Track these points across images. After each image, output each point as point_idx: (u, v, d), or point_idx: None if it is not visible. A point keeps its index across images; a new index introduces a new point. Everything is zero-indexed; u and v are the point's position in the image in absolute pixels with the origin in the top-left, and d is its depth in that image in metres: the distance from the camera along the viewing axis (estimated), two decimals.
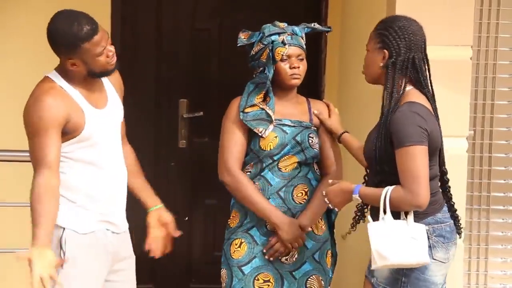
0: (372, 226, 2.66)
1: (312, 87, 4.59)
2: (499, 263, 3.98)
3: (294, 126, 3.11)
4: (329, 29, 3.23)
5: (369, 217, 2.71)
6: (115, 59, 2.76)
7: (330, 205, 2.81)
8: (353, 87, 4.17)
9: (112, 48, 2.74)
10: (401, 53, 2.73)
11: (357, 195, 2.71)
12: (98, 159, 2.79)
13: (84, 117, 2.73)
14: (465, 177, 3.56)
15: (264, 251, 3.06)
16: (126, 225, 2.94)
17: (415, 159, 2.61)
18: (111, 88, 2.90)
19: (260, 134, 3.04)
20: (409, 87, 2.76)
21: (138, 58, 4.51)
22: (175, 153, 4.50)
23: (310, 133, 3.12)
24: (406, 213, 2.67)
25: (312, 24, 3.17)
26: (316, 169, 3.16)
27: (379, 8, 3.63)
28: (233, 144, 3.08)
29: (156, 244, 2.98)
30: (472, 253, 3.95)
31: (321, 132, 3.18)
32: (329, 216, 3.21)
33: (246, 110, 3.07)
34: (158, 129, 4.52)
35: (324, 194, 2.83)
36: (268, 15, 3.29)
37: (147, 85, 4.52)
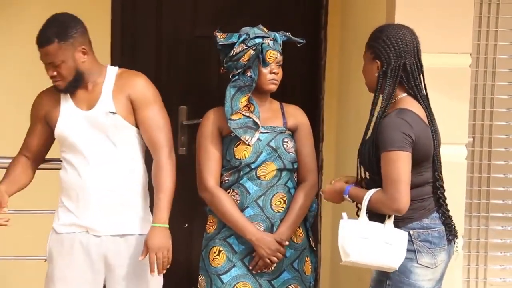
0: (342, 223, 2.74)
1: (311, 94, 4.60)
2: (498, 270, 3.98)
3: (267, 132, 3.12)
4: (302, 41, 3.21)
5: (343, 214, 2.76)
6: (56, 83, 2.91)
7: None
8: (353, 93, 4.17)
9: (52, 72, 2.89)
10: (391, 61, 2.77)
11: (347, 195, 2.82)
12: (76, 160, 2.93)
13: (58, 114, 2.95)
14: (464, 184, 3.56)
15: (250, 268, 3.07)
16: (113, 231, 2.94)
17: (396, 164, 2.65)
18: (109, 93, 2.94)
19: (246, 142, 3.05)
20: (402, 94, 2.79)
21: (138, 64, 4.50)
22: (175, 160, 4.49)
23: (284, 137, 3.13)
24: (390, 216, 2.71)
25: (288, 33, 3.18)
26: (295, 178, 3.17)
27: (379, 16, 3.63)
28: (209, 160, 3.11)
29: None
30: (471, 261, 3.95)
31: (298, 138, 3.17)
32: (306, 223, 3.21)
33: (233, 118, 3.08)
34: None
35: (321, 193, 2.94)
36: (267, 22, 3.29)
37: None
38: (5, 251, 3.99)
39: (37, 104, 3.04)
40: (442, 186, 2.84)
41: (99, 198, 2.92)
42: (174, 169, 2.98)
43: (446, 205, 2.84)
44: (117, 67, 3.04)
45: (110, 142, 2.93)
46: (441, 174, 2.84)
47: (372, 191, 2.72)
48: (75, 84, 2.93)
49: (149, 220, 2.97)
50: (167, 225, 2.92)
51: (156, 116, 2.97)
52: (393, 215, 2.71)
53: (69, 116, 2.95)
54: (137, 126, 2.98)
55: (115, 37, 4.38)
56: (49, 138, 3.05)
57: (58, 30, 2.87)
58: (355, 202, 2.84)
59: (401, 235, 2.70)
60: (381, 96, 2.81)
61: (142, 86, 2.98)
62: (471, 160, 3.88)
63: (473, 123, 3.88)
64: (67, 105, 2.96)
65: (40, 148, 3.07)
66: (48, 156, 3.16)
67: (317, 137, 4.41)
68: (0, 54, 4.21)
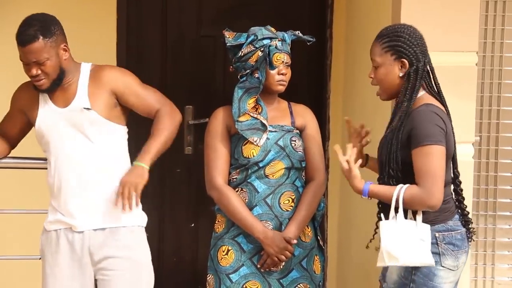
0: (384, 225, 2.66)
1: (317, 94, 4.59)
2: (506, 269, 3.96)
3: (275, 131, 3.12)
4: (312, 39, 3.21)
5: (382, 216, 2.70)
6: (38, 82, 2.91)
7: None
8: (359, 93, 4.17)
9: (36, 71, 2.88)
10: (420, 58, 2.74)
11: (366, 196, 2.72)
12: (54, 157, 2.97)
13: (37, 111, 2.97)
14: (472, 183, 3.55)
15: (259, 266, 3.07)
16: (94, 225, 2.95)
17: (433, 159, 2.62)
18: (85, 89, 2.95)
19: (255, 143, 3.05)
20: (421, 92, 2.77)
21: (144, 65, 4.52)
22: (181, 159, 4.50)
23: (292, 136, 3.12)
24: (415, 213, 2.66)
25: (297, 32, 3.18)
26: (303, 176, 3.16)
27: (384, 15, 3.63)
28: (217, 158, 3.11)
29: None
30: (478, 260, 3.94)
31: (305, 137, 3.18)
32: (314, 222, 3.20)
33: (241, 119, 3.09)
34: None
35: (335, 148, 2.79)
36: (273, 22, 3.29)
37: None
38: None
39: (17, 98, 3.07)
40: (461, 187, 2.82)
41: (78, 193, 2.95)
42: (173, 121, 3.01)
43: (466, 206, 2.82)
44: (90, 63, 3.05)
45: (86, 138, 2.95)
46: (459, 173, 2.82)
47: (402, 186, 2.65)
48: (58, 82, 2.94)
49: (134, 212, 2.95)
50: (145, 166, 2.92)
51: (143, 92, 3.03)
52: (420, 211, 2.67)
53: (46, 113, 2.98)
54: (117, 122, 3.00)
55: (120, 37, 4.39)
56: (26, 128, 3.09)
57: (41, 28, 2.87)
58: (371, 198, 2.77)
59: (428, 229, 2.66)
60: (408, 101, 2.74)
61: (118, 76, 3.02)
62: (478, 158, 3.87)
63: (480, 121, 3.86)
64: (44, 102, 2.99)
65: (16, 133, 3.10)
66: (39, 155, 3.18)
67: (323, 136, 4.39)
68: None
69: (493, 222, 3.94)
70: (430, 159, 2.62)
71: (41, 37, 2.85)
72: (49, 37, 2.87)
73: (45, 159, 3.07)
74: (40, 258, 3.08)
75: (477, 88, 3.66)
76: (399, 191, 2.65)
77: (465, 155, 3.50)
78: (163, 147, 2.98)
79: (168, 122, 2.99)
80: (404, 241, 2.62)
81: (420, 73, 2.73)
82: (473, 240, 2.86)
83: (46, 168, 3.05)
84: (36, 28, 2.86)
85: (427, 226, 2.66)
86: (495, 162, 3.92)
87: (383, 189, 2.71)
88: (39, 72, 2.89)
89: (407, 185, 2.65)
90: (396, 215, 2.65)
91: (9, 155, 3.17)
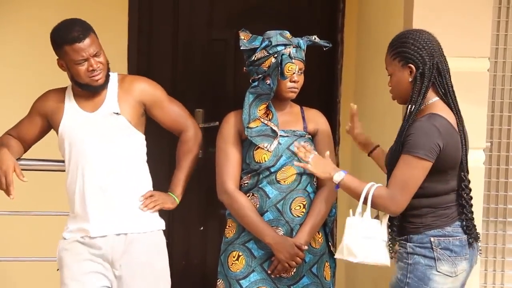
0: (349, 220, 2.75)
1: (328, 98, 4.59)
2: None
3: (287, 136, 3.11)
4: (328, 45, 3.21)
5: (350, 211, 2.77)
6: (98, 76, 2.92)
7: (308, 166, 2.83)
8: (369, 97, 4.16)
9: (96, 65, 2.90)
10: (426, 61, 2.74)
11: (337, 182, 2.77)
12: (76, 160, 2.97)
13: (62, 115, 3.00)
14: (482, 189, 3.54)
15: (269, 272, 3.06)
16: (113, 231, 2.96)
17: (412, 170, 2.65)
18: (114, 95, 2.98)
19: (265, 149, 3.05)
20: (434, 98, 2.77)
21: (154, 67, 4.53)
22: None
23: (305, 141, 3.10)
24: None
25: (313, 38, 3.17)
26: (315, 182, 3.16)
27: (396, 19, 3.62)
28: (229, 163, 3.11)
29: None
30: (488, 266, 3.92)
31: (317, 142, 3.17)
32: (325, 228, 3.19)
33: (251, 126, 3.08)
34: (174, 138, 4.53)
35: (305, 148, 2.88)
36: (284, 25, 3.29)
37: None
38: (12, 252, 4.02)
39: (43, 101, 3.09)
40: (469, 194, 2.81)
41: (98, 199, 2.96)
42: (197, 144, 3.18)
43: (472, 213, 2.82)
44: (116, 73, 3.09)
45: (111, 143, 2.97)
46: (468, 180, 2.82)
47: (373, 184, 2.70)
48: (107, 80, 2.98)
49: (152, 219, 3.01)
50: (177, 199, 3.14)
51: (169, 107, 3.14)
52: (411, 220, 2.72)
53: (73, 117, 3.00)
54: (142, 131, 3.06)
55: (131, 39, 4.40)
56: (43, 134, 3.13)
57: (84, 24, 2.93)
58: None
59: (384, 230, 2.74)
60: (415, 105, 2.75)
61: (149, 88, 3.09)
62: (489, 165, 3.85)
63: (491, 127, 3.85)
64: (71, 107, 3.01)
65: (32, 138, 3.12)
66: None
67: (334, 141, 4.36)
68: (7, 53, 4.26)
69: (503, 228, 3.92)
70: (408, 169, 2.65)
71: (91, 31, 2.92)
72: (94, 32, 2.95)
73: (62, 161, 3.09)
74: (58, 269, 3.06)
75: (489, 94, 3.65)
76: (369, 189, 2.69)
77: (476, 161, 3.49)
78: (190, 175, 3.19)
79: (194, 149, 3.17)
80: (367, 239, 2.70)
81: (427, 76, 2.74)
82: (479, 250, 2.84)
83: (63, 171, 3.07)
84: (81, 25, 2.91)
85: (385, 227, 2.73)
86: (506, 168, 3.90)
87: (355, 184, 2.75)
88: (99, 65, 2.92)
89: (379, 184, 2.70)
90: (365, 213, 2.72)
91: (27, 157, 3.19)
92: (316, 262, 3.12)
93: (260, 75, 3.11)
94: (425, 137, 2.65)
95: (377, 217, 2.77)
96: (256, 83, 3.13)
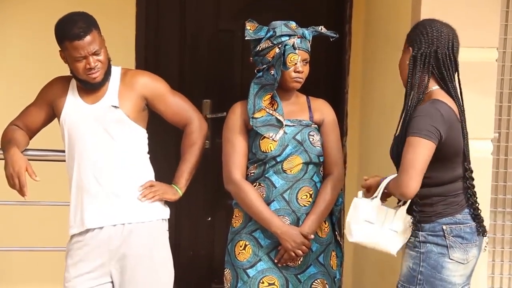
0: (356, 200, 2.81)
1: (335, 88, 4.59)
2: None
3: (293, 125, 3.11)
4: (335, 35, 3.20)
5: (360, 193, 2.83)
6: (95, 74, 2.93)
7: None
8: (377, 88, 4.15)
9: (94, 63, 2.90)
10: (422, 46, 2.77)
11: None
12: (74, 151, 2.98)
13: (64, 103, 3.01)
14: (490, 180, 3.54)
15: (276, 261, 3.07)
16: (112, 221, 2.96)
17: (415, 150, 2.67)
18: (115, 89, 3.00)
19: (271, 138, 3.05)
20: (434, 87, 2.78)
21: (162, 59, 4.53)
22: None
23: (311, 131, 3.11)
24: (411, 209, 2.75)
25: (319, 28, 3.16)
26: (321, 171, 3.16)
27: (404, 10, 3.61)
28: (235, 153, 3.11)
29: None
30: (496, 256, 3.92)
31: (324, 132, 3.17)
32: (332, 217, 3.20)
33: (256, 116, 3.09)
34: (181, 135, 4.55)
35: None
36: (292, 16, 3.28)
37: (171, 86, 4.52)
38: (16, 242, 4.04)
39: (49, 88, 3.10)
40: (472, 183, 2.83)
41: (96, 190, 2.96)
42: (202, 136, 3.14)
43: (476, 201, 2.83)
44: (119, 67, 3.08)
45: (109, 136, 2.97)
46: (471, 170, 2.83)
47: (392, 175, 2.76)
48: (108, 76, 2.99)
49: (151, 208, 3.01)
50: (180, 191, 3.11)
51: (172, 100, 3.12)
52: (407, 203, 2.74)
53: (73, 108, 3.00)
54: (141, 124, 3.05)
55: (139, 31, 4.40)
56: (48, 121, 3.13)
57: (87, 21, 2.92)
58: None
59: (408, 226, 2.76)
60: (412, 90, 2.79)
61: (150, 82, 3.09)
62: (497, 155, 3.85)
63: (499, 117, 3.84)
64: (73, 97, 3.02)
65: (37, 126, 3.12)
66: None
67: (341, 131, 4.34)
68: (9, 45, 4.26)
69: (511, 219, 3.92)
70: (412, 150, 2.67)
71: (93, 28, 2.91)
72: (98, 28, 2.94)
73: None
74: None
75: (497, 84, 3.64)
76: (389, 178, 2.77)
77: (484, 151, 3.49)
78: (195, 167, 3.14)
79: (199, 141, 3.13)
80: (367, 224, 2.76)
81: (419, 60, 2.77)
82: (486, 236, 2.85)
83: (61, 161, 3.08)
84: (84, 21, 2.90)
85: (407, 219, 2.75)
86: None
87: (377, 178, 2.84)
88: (97, 63, 2.92)
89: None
90: (375, 197, 2.77)
91: (34, 147, 3.20)
92: (322, 251, 3.13)
93: (264, 66, 3.11)
94: (428, 119, 2.68)
95: (397, 207, 2.80)
96: (261, 74, 3.13)
